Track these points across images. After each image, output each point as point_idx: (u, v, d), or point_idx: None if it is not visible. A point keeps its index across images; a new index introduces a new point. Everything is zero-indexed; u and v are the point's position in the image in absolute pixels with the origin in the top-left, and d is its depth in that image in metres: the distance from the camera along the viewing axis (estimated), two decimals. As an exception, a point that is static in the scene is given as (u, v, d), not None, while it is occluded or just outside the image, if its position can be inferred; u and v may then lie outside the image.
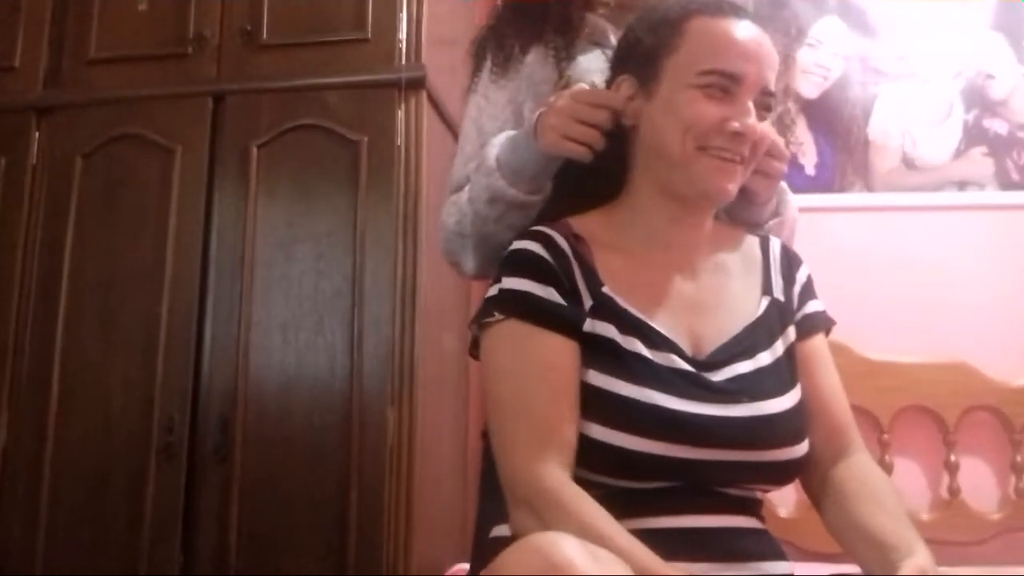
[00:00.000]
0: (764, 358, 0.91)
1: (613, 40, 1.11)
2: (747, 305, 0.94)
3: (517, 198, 1.01)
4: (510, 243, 0.99)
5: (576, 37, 1.11)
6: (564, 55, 1.10)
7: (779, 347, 0.93)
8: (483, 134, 1.13)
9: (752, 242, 0.99)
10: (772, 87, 0.90)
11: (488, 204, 1.03)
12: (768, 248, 0.99)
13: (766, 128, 0.91)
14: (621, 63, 0.97)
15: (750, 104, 0.88)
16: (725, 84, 0.88)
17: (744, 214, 1.03)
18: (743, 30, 0.89)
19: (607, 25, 1.14)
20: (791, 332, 0.95)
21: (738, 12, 0.91)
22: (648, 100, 0.92)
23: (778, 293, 0.96)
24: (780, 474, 0.89)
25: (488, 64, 1.15)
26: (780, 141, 0.97)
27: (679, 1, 0.93)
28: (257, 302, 1.71)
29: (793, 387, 0.92)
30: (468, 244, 1.09)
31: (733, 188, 0.90)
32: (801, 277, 0.98)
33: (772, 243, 1.00)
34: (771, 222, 1.05)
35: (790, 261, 0.99)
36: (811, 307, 0.98)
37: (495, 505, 0.92)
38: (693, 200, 0.91)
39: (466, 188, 1.09)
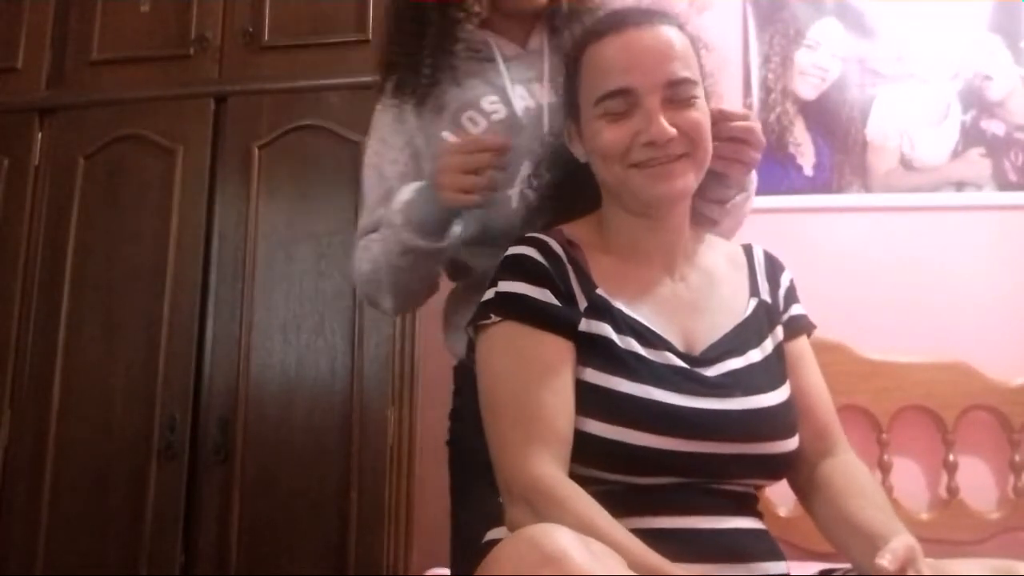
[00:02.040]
0: (754, 355, 0.93)
1: (497, 51, 1.13)
2: (736, 305, 0.96)
3: (427, 248, 1.05)
4: (419, 285, 1.08)
5: (452, 61, 1.11)
6: (449, 80, 1.11)
7: (768, 345, 0.95)
8: (384, 179, 1.15)
9: (736, 248, 1.02)
10: (677, 76, 0.89)
11: (400, 256, 1.07)
12: (752, 253, 1.02)
13: (695, 116, 0.90)
14: (567, 111, 1.00)
15: (654, 108, 0.88)
16: (620, 102, 0.89)
17: (714, 192, 1.04)
18: (624, 44, 0.90)
19: (489, 36, 1.14)
20: (779, 332, 0.97)
21: (621, 25, 0.91)
22: (581, 136, 0.96)
23: (764, 295, 0.98)
24: (773, 467, 0.91)
25: (389, 103, 1.15)
26: (757, 129, 0.98)
27: (575, 36, 0.97)
28: (258, 302, 1.72)
29: (783, 383, 0.94)
30: (384, 288, 1.13)
31: (680, 184, 0.90)
32: (785, 281, 1.01)
33: (755, 249, 1.03)
34: (738, 197, 1.07)
35: (774, 265, 1.02)
36: (795, 310, 1.00)
37: (479, 511, 0.94)
38: (647, 211, 0.93)
39: (376, 236, 1.11)
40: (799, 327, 1.00)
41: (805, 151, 1.93)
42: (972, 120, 1.91)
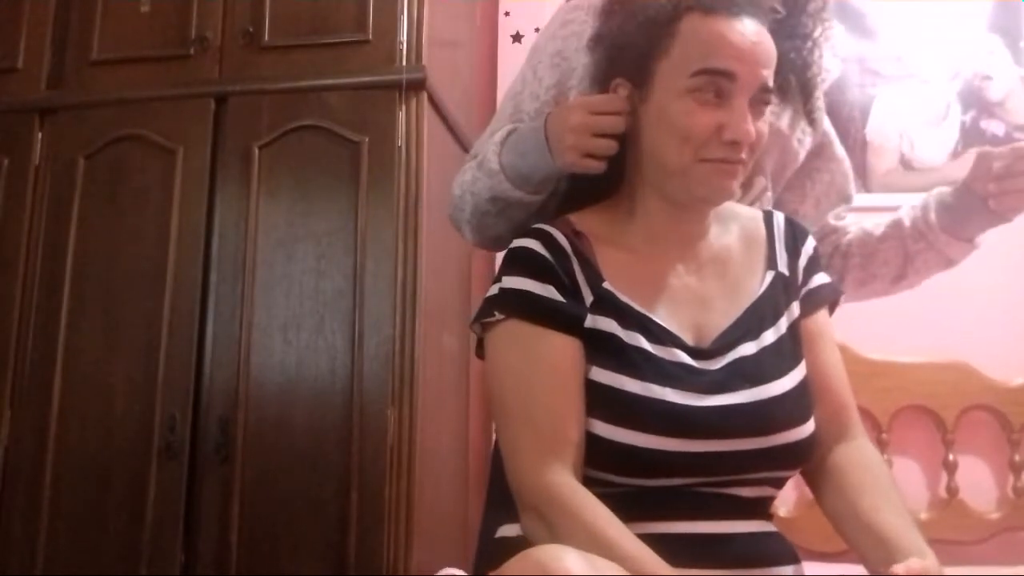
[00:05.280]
0: (768, 336, 0.90)
1: None
2: (751, 283, 0.93)
3: (523, 199, 1.01)
4: (508, 234, 1.01)
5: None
6: None
7: (783, 324, 0.91)
8: (518, 111, 1.11)
9: (756, 218, 0.98)
10: (770, 84, 0.87)
11: (489, 202, 1.04)
12: (772, 222, 0.98)
13: (763, 128, 0.88)
14: (613, 65, 0.94)
15: (745, 106, 0.85)
16: (718, 85, 0.85)
17: (973, 231, 1.07)
18: (738, 28, 0.86)
19: None
20: (795, 308, 0.93)
21: (732, 8, 0.88)
22: (642, 104, 0.90)
23: (783, 267, 0.94)
24: (789, 458, 0.88)
25: (561, 34, 1.10)
26: None
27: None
28: (258, 302, 1.72)
29: (796, 366, 0.90)
30: (467, 224, 1.10)
31: (734, 187, 0.88)
32: (807, 250, 0.97)
33: (776, 217, 0.98)
34: (979, 240, 1.07)
35: (795, 234, 0.97)
36: (816, 280, 0.96)
37: (501, 505, 0.92)
38: (691, 204, 0.91)
39: (472, 166, 1.07)
40: (818, 300, 0.95)
41: (805, 151, 1.93)
42: (972, 120, 1.91)
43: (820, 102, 1.15)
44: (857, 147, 1.93)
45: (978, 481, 1.78)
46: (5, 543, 1.70)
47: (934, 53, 1.94)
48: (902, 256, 1.14)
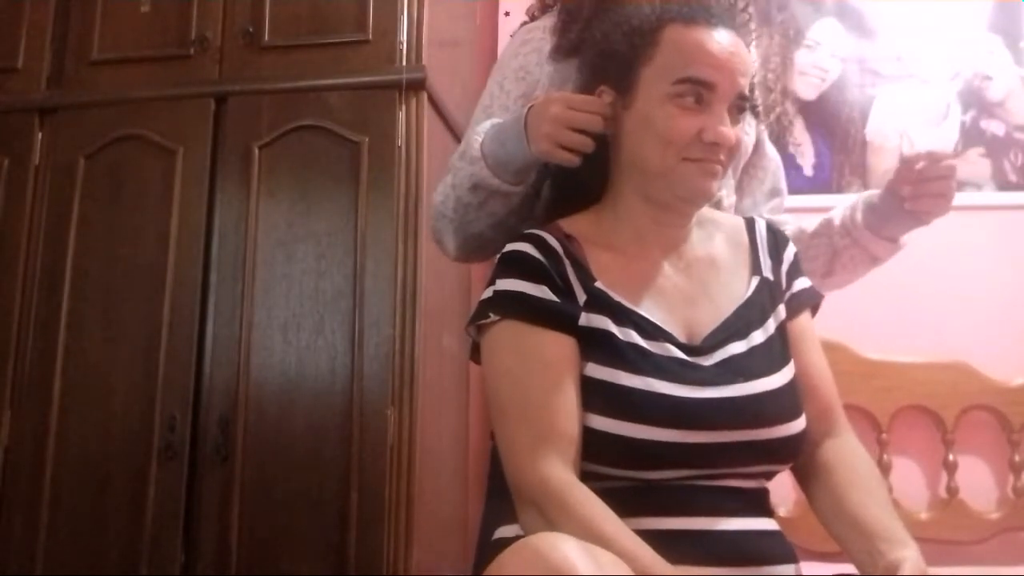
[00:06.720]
0: (757, 337, 0.92)
1: None
2: (737, 287, 0.96)
3: (501, 188, 1.04)
4: (489, 231, 1.06)
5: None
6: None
7: (771, 325, 0.94)
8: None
9: (738, 225, 1.02)
10: (746, 91, 0.92)
11: (471, 191, 1.06)
12: (754, 229, 1.01)
13: (739, 134, 0.93)
14: (597, 73, 0.98)
15: (724, 112, 0.90)
16: (698, 92, 0.89)
17: (895, 230, 1.10)
18: (717, 39, 0.91)
19: None
20: (781, 310, 0.97)
21: (712, 20, 0.92)
22: (625, 110, 0.94)
23: (767, 272, 0.98)
24: (781, 452, 0.90)
25: (523, 52, 1.16)
26: (948, 159, 1.02)
27: (653, 9, 0.95)
28: (258, 302, 1.72)
29: (786, 364, 0.93)
30: (449, 227, 1.12)
31: (715, 187, 0.92)
32: (788, 256, 1.00)
33: (758, 224, 1.02)
34: (903, 240, 1.11)
35: (776, 240, 1.01)
36: (798, 285, 1.00)
37: (500, 506, 0.93)
38: (675, 205, 0.93)
39: (451, 165, 1.11)
40: (801, 303, 0.99)
41: (805, 151, 1.93)
42: (972, 120, 1.91)
43: (758, 99, 1.24)
44: (857, 146, 1.93)
45: (978, 481, 1.78)
46: (5, 543, 1.70)
47: (934, 53, 1.94)
48: (830, 252, 1.19)
